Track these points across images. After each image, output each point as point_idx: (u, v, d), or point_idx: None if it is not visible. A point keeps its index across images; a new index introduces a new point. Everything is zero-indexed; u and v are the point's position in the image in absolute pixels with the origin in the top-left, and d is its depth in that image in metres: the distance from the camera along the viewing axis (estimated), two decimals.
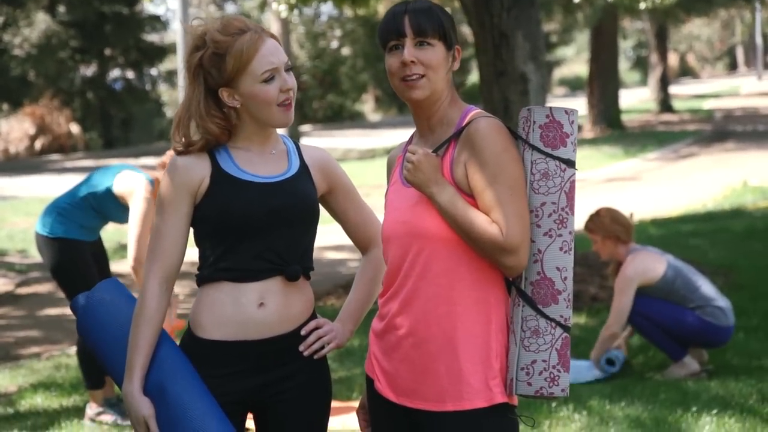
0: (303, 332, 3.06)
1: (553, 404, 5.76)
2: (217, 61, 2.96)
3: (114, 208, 5.92)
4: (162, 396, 2.91)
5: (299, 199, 3.03)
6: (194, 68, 3.00)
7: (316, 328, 3.08)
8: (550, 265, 2.84)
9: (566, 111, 2.86)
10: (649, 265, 6.53)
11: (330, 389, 3.16)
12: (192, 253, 3.07)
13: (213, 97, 3.01)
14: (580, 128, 27.81)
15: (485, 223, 2.82)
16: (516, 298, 2.88)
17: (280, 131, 3.17)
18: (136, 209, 5.70)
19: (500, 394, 2.88)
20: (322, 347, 3.08)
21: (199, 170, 2.99)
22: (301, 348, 3.05)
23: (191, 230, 3.04)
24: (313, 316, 3.11)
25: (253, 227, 2.96)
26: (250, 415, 3.12)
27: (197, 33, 3.00)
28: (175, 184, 2.98)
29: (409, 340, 2.92)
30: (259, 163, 3.04)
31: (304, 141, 27.63)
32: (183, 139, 3.02)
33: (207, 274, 3.01)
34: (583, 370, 6.65)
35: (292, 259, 3.01)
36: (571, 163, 2.86)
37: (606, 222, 6.61)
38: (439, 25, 2.92)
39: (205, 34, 2.99)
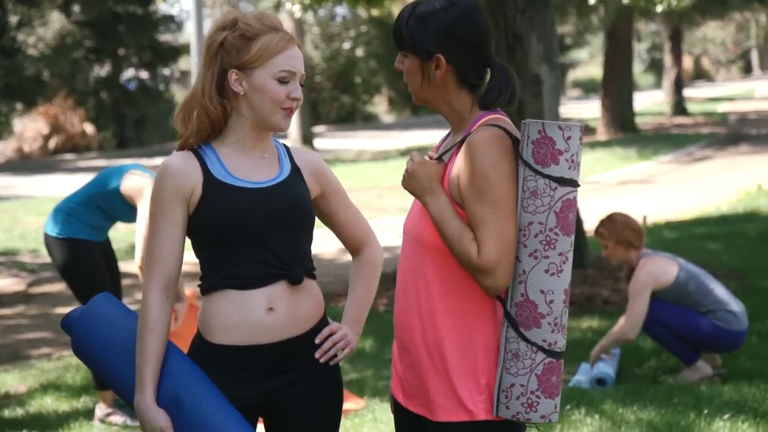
0: (317, 341, 3.03)
1: (566, 407, 5.72)
2: (242, 43, 2.94)
3: (121, 208, 5.89)
4: (177, 406, 2.86)
5: (294, 201, 2.98)
6: (216, 47, 2.96)
7: (330, 335, 3.05)
8: (534, 288, 2.75)
9: (560, 126, 2.73)
10: (663, 268, 6.47)
11: (342, 392, 3.13)
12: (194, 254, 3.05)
13: (222, 81, 2.97)
14: (594, 131, 27.91)
15: (467, 240, 2.75)
16: (503, 318, 2.82)
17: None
18: (144, 209, 5.67)
19: (484, 411, 2.82)
20: (337, 353, 3.05)
21: (190, 177, 2.94)
22: (316, 355, 3.02)
23: (188, 240, 3.00)
24: (323, 318, 3.08)
25: (251, 234, 2.92)
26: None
27: (229, 16, 2.98)
28: (167, 191, 2.93)
29: (407, 346, 2.92)
30: (250, 167, 2.99)
31: (317, 142, 27.61)
32: (185, 126, 2.98)
33: (211, 284, 2.97)
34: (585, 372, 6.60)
35: (294, 262, 2.97)
36: (564, 182, 2.72)
37: (617, 227, 6.55)
38: (408, 38, 2.88)
39: (238, 17, 2.96)
